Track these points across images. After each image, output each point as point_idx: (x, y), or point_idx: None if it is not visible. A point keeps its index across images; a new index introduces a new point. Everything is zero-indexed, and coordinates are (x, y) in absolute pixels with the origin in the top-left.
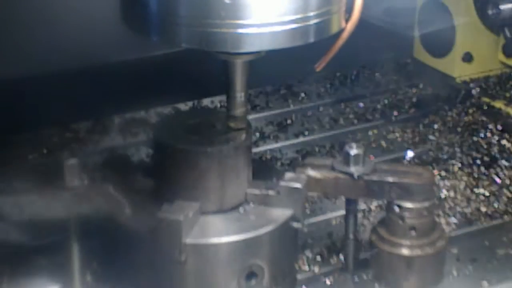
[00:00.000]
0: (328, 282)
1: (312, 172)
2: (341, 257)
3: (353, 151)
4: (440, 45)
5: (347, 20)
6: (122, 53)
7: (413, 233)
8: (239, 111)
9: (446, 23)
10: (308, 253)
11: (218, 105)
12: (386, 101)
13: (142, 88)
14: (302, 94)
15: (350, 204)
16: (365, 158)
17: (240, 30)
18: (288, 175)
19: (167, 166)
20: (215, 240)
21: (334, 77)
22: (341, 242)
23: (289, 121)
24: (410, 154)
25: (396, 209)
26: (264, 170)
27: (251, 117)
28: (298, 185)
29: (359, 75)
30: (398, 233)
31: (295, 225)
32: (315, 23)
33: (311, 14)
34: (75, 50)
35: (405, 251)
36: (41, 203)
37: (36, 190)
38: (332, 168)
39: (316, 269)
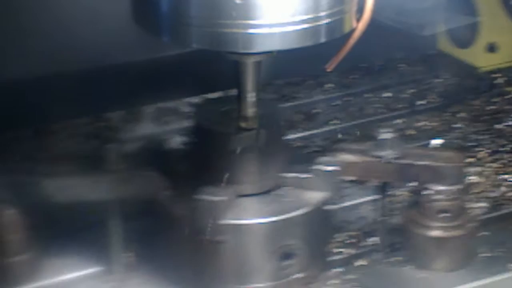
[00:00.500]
0: (360, 264)
1: (345, 156)
2: (373, 239)
3: (384, 136)
4: (464, 35)
5: (358, 20)
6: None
7: (443, 215)
8: (250, 111)
9: (470, 13)
10: (341, 236)
11: None
12: (411, 91)
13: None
14: (329, 85)
15: (382, 188)
16: (396, 142)
17: (251, 30)
18: (322, 159)
19: (205, 150)
20: (252, 221)
21: (360, 68)
22: (373, 225)
23: (316, 110)
24: (437, 141)
25: (427, 192)
26: (296, 155)
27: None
28: (332, 168)
29: (384, 66)
30: (429, 215)
31: (329, 207)
32: (326, 23)
33: (322, 14)
34: (88, 50)
35: (435, 233)
36: (83, 185)
37: (78, 173)
38: (364, 152)
39: (349, 251)
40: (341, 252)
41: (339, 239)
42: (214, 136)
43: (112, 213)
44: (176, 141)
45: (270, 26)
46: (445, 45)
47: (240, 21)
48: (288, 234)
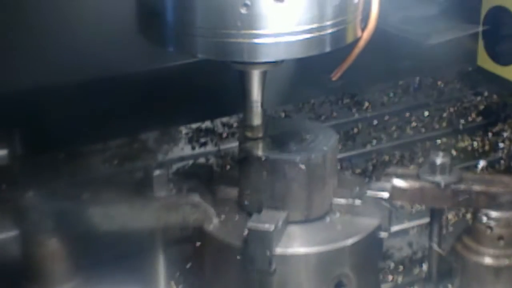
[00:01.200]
0: None
1: (397, 181)
2: (424, 267)
3: (440, 160)
4: (506, 52)
5: (363, 29)
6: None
7: (501, 242)
8: (255, 120)
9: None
10: (391, 263)
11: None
12: (451, 110)
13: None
14: (366, 103)
15: (435, 213)
16: (452, 166)
17: (256, 40)
18: (374, 184)
19: (253, 175)
20: (304, 250)
21: (397, 86)
22: (423, 252)
23: (355, 130)
24: (482, 163)
25: (484, 218)
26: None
27: None
28: (384, 195)
29: (421, 84)
30: (485, 242)
31: (382, 235)
32: (331, 33)
33: (327, 23)
34: (92, 61)
35: (492, 261)
36: (130, 213)
37: (124, 200)
38: (418, 177)
39: (400, 279)
40: (392, 280)
41: (390, 267)
42: (263, 161)
43: (157, 241)
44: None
45: (275, 35)
46: (485, 62)
47: (245, 31)
48: (340, 264)
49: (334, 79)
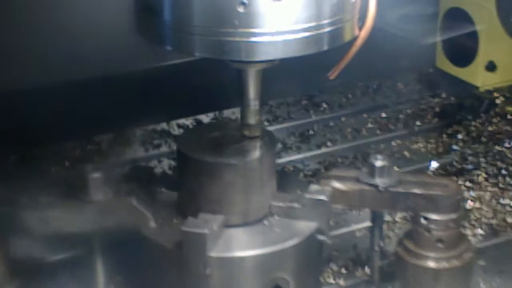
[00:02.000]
0: None
1: (337, 184)
2: (367, 269)
3: (379, 163)
4: (463, 54)
5: (360, 28)
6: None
7: (440, 245)
8: (253, 119)
9: (469, 32)
10: (333, 266)
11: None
12: (408, 111)
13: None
14: (324, 105)
15: (376, 216)
16: (391, 169)
17: (253, 39)
18: (313, 187)
19: (191, 178)
20: (240, 253)
21: (355, 87)
22: (366, 254)
23: (311, 132)
24: (434, 164)
25: (423, 221)
26: (287, 181)
27: (273, 128)
28: (323, 197)
29: (380, 85)
30: (425, 245)
31: (320, 237)
32: (329, 31)
33: (325, 22)
34: (90, 60)
35: (432, 264)
36: (66, 216)
37: (60, 204)
38: (357, 180)
39: (342, 281)
40: (333, 283)
41: (331, 269)
42: (200, 164)
43: (95, 245)
44: (162, 167)
45: (272, 34)
46: (443, 64)
47: (242, 30)
48: (278, 267)
49: (331, 77)
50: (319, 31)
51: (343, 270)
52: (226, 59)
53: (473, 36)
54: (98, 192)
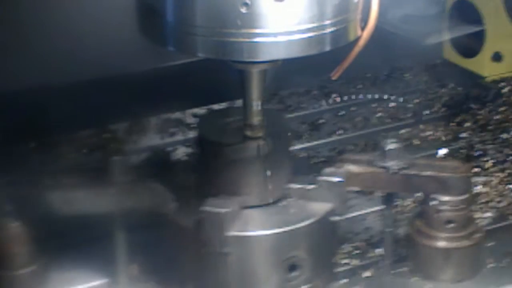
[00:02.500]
0: (366, 275)
1: (350, 167)
2: (379, 250)
3: (390, 146)
4: (470, 45)
5: (363, 28)
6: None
7: (450, 225)
8: (255, 119)
9: (476, 23)
10: (347, 247)
11: None
12: (416, 101)
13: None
14: (334, 95)
15: (387, 198)
16: (402, 152)
17: (256, 39)
18: (328, 169)
19: (210, 161)
20: (257, 232)
21: (364, 78)
22: (379, 236)
23: (322, 121)
24: (442, 151)
25: (433, 202)
26: (300, 167)
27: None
28: (337, 179)
29: (389, 76)
30: (435, 226)
31: (335, 218)
32: (331, 32)
33: (327, 22)
34: (93, 60)
35: (442, 244)
36: (89, 198)
37: (84, 185)
38: (370, 163)
39: (355, 262)
40: (347, 263)
41: (345, 250)
42: (219, 147)
43: (117, 226)
44: (181, 153)
45: (275, 35)
46: (450, 55)
47: (245, 30)
48: (293, 246)
49: (334, 78)
50: (322, 32)
51: (356, 251)
52: (228, 59)
53: (480, 27)
54: (120, 175)
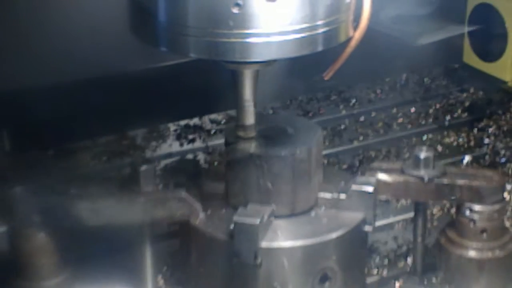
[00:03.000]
0: (397, 285)
1: (382, 176)
2: (409, 260)
3: (423, 154)
4: (491, 49)
5: (355, 29)
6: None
7: (483, 235)
8: (248, 120)
9: (498, 27)
10: (376, 257)
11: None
12: (437, 106)
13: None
14: (353, 100)
15: (419, 207)
16: (435, 161)
17: (248, 40)
18: (359, 178)
19: (240, 170)
20: (289, 243)
21: (383, 82)
22: (407, 246)
23: (342, 127)
24: (467, 158)
25: (467, 212)
26: (332, 174)
27: None
28: (369, 189)
29: (408, 80)
30: (469, 235)
31: (366, 228)
32: (323, 32)
33: (319, 23)
34: (86, 60)
35: (475, 254)
36: (116, 208)
37: (111, 195)
38: (402, 172)
39: (385, 272)
40: (377, 273)
41: (374, 261)
42: (248, 155)
43: (143, 236)
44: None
45: (267, 35)
46: (471, 59)
47: (237, 31)
48: (325, 257)
49: (326, 78)
50: (314, 32)
51: (386, 261)
52: (221, 60)
53: (502, 31)
54: (148, 184)
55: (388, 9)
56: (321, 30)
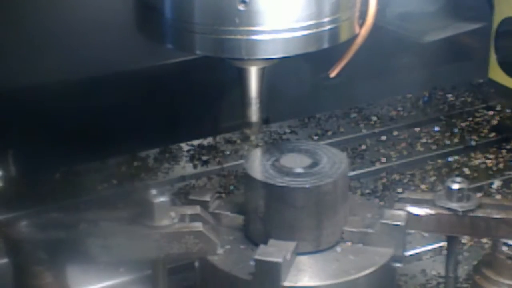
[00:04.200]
0: None
1: (412, 209)
2: None
3: (456, 186)
4: None
5: (361, 26)
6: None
7: None
8: (254, 117)
9: None
10: None
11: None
12: (463, 125)
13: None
14: (374, 118)
15: (452, 241)
16: (469, 192)
17: (254, 37)
18: (387, 212)
19: (260, 203)
20: (314, 283)
21: (405, 99)
22: (436, 280)
23: (363, 147)
24: (497, 182)
25: (504, 247)
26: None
27: (323, 143)
28: (399, 223)
29: (431, 97)
30: (505, 273)
31: (396, 265)
32: (329, 29)
33: (325, 20)
34: (90, 58)
35: None
36: (130, 243)
37: (124, 230)
38: (434, 204)
39: None
40: None
41: None
42: (270, 188)
43: (160, 272)
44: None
45: (273, 32)
46: (497, 75)
47: (243, 28)
48: None
49: (331, 76)
50: (320, 29)
51: None
52: (227, 57)
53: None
54: (163, 218)
55: (394, 6)
56: (327, 27)
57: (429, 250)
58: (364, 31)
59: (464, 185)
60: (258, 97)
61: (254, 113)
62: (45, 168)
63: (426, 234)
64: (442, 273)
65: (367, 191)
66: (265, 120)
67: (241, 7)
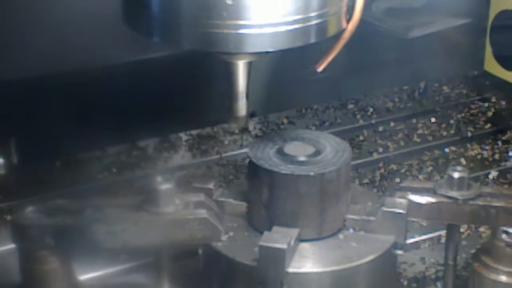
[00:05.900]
0: None
1: (413, 197)
2: (439, 285)
3: (457, 174)
4: None
5: (348, 20)
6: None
7: None
8: (241, 111)
9: None
10: (403, 281)
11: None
12: (458, 116)
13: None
14: (371, 109)
15: (451, 229)
16: (469, 181)
17: (241, 31)
18: (389, 199)
19: (264, 190)
20: (317, 269)
21: (401, 91)
22: (435, 268)
23: (361, 138)
24: (493, 173)
25: (503, 235)
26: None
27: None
28: (400, 211)
29: (426, 89)
30: (504, 260)
31: (397, 252)
32: (316, 24)
33: (313, 14)
34: (77, 52)
35: (510, 280)
36: (135, 230)
37: (129, 217)
38: (434, 192)
39: None
40: None
41: (402, 284)
42: (274, 176)
43: (165, 258)
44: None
45: (260, 26)
46: (492, 67)
47: (231, 22)
48: (355, 282)
49: (319, 70)
50: (307, 24)
51: (414, 285)
52: (214, 51)
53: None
54: (168, 204)
55: (380, 2)
56: (314, 22)
57: (427, 239)
58: (351, 26)
59: (464, 174)
60: (245, 91)
61: (241, 107)
62: (46, 156)
63: (424, 223)
64: (441, 261)
65: (365, 181)
66: (251, 114)
67: (229, 1)
